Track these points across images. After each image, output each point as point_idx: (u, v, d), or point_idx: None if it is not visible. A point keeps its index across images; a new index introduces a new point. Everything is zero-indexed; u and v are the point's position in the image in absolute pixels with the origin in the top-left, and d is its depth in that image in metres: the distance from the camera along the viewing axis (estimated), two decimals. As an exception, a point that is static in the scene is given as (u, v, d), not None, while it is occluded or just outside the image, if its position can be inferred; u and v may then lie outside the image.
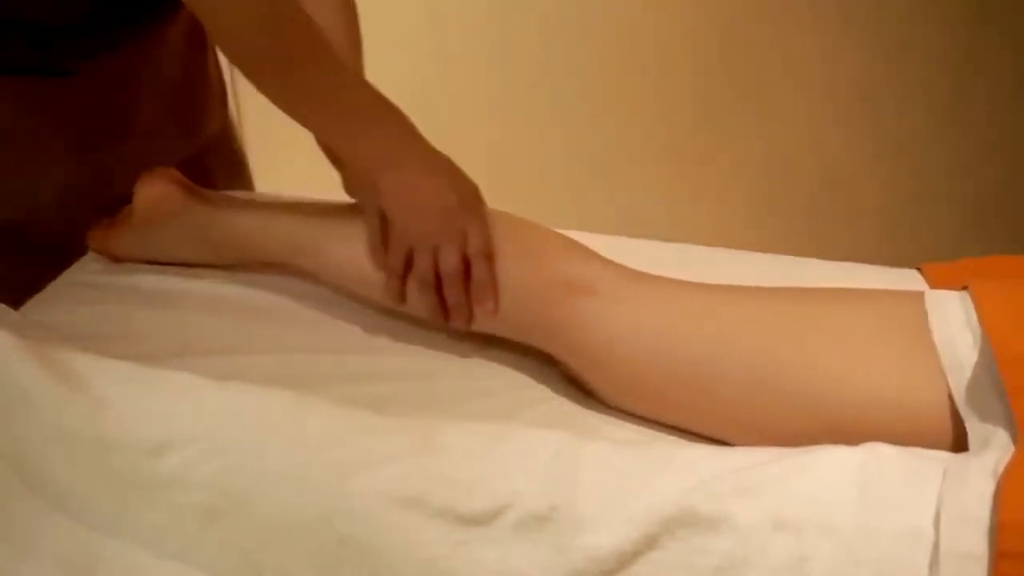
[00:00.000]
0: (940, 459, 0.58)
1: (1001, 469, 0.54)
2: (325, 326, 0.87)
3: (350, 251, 0.84)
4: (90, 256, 0.97)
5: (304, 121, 0.82)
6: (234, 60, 0.81)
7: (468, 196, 0.82)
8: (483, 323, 0.80)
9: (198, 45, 1.08)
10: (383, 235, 0.81)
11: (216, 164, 1.13)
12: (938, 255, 0.91)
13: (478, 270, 0.78)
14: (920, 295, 0.70)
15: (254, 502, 0.60)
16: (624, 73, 1.87)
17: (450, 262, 0.78)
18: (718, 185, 1.94)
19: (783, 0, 1.76)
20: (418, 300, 0.81)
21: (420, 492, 0.58)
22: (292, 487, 0.60)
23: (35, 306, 0.89)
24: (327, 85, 0.81)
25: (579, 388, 0.79)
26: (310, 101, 0.81)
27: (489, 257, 0.79)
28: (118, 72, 0.97)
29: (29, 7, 0.87)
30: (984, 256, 0.82)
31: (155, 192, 0.93)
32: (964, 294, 0.69)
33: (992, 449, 0.57)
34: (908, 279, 0.87)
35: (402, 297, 0.82)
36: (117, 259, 0.96)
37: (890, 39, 1.76)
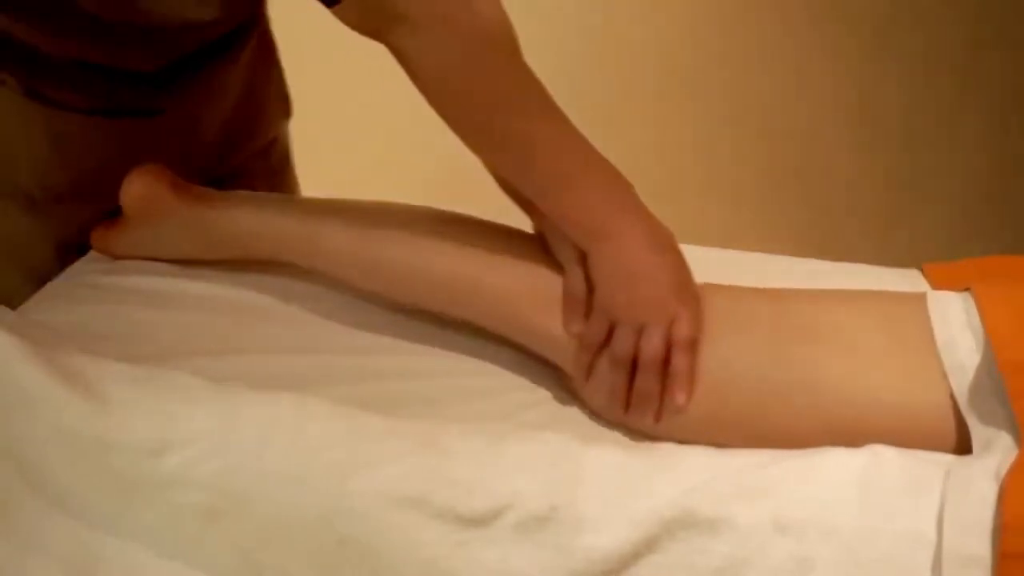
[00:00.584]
0: (942, 461, 0.58)
1: (1004, 472, 0.54)
2: (326, 326, 0.87)
3: (343, 241, 0.84)
4: (90, 256, 0.97)
5: (514, 177, 0.78)
6: (437, 107, 0.77)
7: (685, 280, 0.75)
8: (665, 420, 0.73)
9: (266, 59, 1.09)
10: (585, 302, 0.75)
11: (261, 168, 1.14)
12: (938, 255, 0.91)
13: (680, 360, 0.71)
14: (922, 296, 0.70)
15: (254, 502, 0.60)
16: (623, 72, 1.87)
17: (655, 345, 0.71)
18: (718, 185, 1.94)
19: (783, 0, 1.77)
20: (603, 378, 0.74)
21: (420, 492, 0.58)
22: (292, 487, 0.60)
23: (35, 306, 0.88)
24: (540, 140, 0.76)
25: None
26: (519, 156, 0.76)
27: (694, 349, 0.72)
28: (200, 100, 0.99)
29: (126, 57, 0.90)
30: (984, 256, 0.82)
31: (140, 189, 0.93)
32: (966, 295, 0.69)
33: (995, 451, 0.57)
34: (909, 279, 0.87)
35: (588, 372, 0.75)
36: (118, 257, 0.96)
37: (890, 39, 1.76)
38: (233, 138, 1.07)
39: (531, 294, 0.77)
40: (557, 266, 0.78)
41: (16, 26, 0.84)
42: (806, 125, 1.86)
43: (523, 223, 0.84)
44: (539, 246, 0.80)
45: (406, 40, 0.74)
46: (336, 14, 0.74)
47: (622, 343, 0.73)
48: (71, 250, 0.97)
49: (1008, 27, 1.71)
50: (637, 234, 0.76)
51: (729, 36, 1.81)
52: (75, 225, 0.96)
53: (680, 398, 0.71)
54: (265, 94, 1.11)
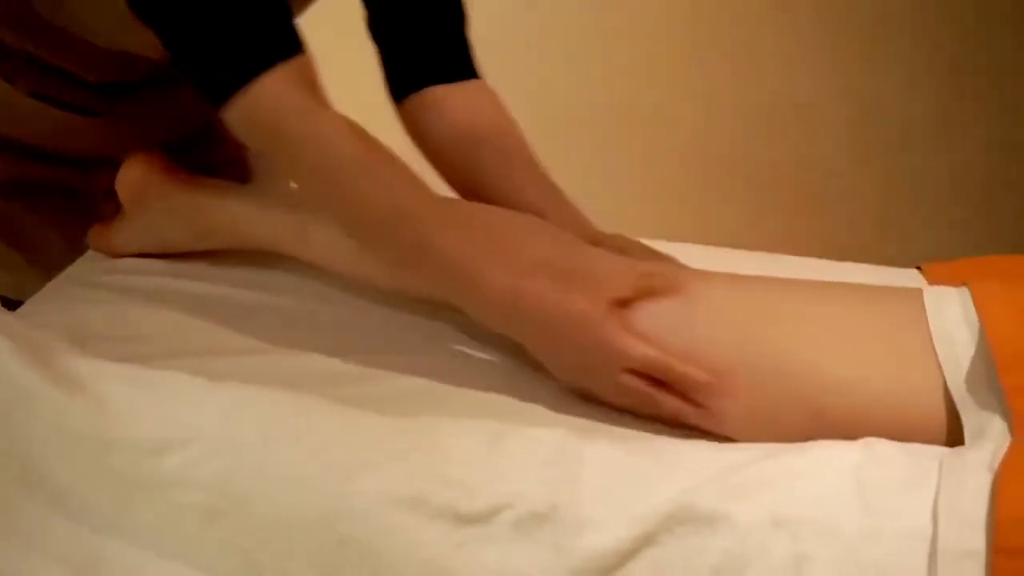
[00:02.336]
0: (936, 454, 0.58)
1: (997, 464, 0.54)
2: (325, 326, 0.87)
3: (333, 232, 0.85)
4: (89, 255, 0.98)
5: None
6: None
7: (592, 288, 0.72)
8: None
9: None
10: None
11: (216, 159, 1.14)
12: (938, 255, 0.91)
13: (670, 379, 0.71)
14: (918, 291, 0.71)
15: (254, 502, 0.60)
16: (623, 73, 1.87)
17: (630, 389, 0.72)
18: (718, 185, 1.94)
19: (782, 0, 1.77)
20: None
21: (420, 492, 0.58)
22: (292, 487, 0.60)
23: (35, 305, 0.89)
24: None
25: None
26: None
27: (661, 366, 0.70)
28: (149, 108, 1.01)
29: (72, 63, 0.91)
30: (984, 256, 0.83)
31: (136, 174, 0.93)
32: (963, 290, 0.69)
33: (988, 442, 0.57)
34: (908, 279, 0.88)
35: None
36: (115, 255, 0.96)
37: (890, 36, 1.76)
38: (188, 139, 1.08)
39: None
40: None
41: None
42: (806, 125, 1.86)
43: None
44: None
45: None
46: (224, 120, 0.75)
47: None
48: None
49: (1008, 25, 1.71)
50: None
51: (727, 36, 1.81)
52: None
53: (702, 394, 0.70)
54: None
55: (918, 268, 0.88)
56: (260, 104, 0.72)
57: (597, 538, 0.55)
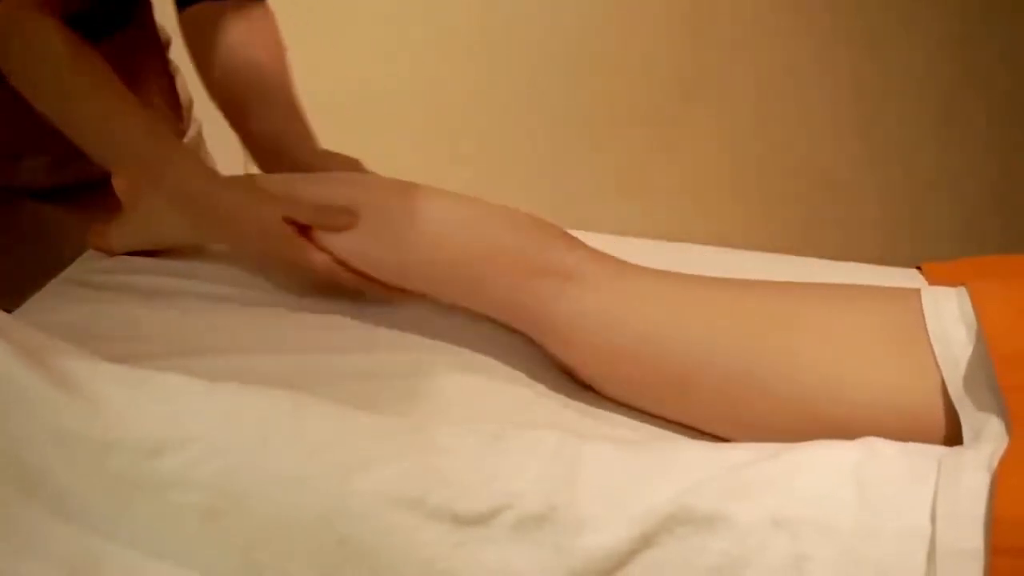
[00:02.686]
0: (935, 454, 0.58)
1: (995, 463, 0.54)
2: (323, 325, 0.87)
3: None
4: (89, 255, 0.98)
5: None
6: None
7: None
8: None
9: (148, 63, 1.13)
10: None
11: None
12: (938, 255, 0.91)
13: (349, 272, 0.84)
14: (916, 292, 0.71)
15: (253, 502, 0.60)
16: (622, 75, 1.87)
17: (319, 275, 0.85)
18: (717, 185, 1.94)
19: (779, 2, 1.76)
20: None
21: (419, 492, 0.58)
22: (291, 487, 0.60)
23: (34, 306, 0.89)
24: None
25: (577, 383, 0.79)
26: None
27: (336, 272, 0.84)
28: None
29: None
30: (984, 256, 0.83)
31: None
32: (961, 290, 0.69)
33: (986, 441, 0.57)
34: (907, 278, 0.88)
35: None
36: (114, 254, 0.96)
37: (888, 38, 1.76)
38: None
39: (512, 266, 0.79)
40: (535, 238, 0.81)
41: None
42: (805, 125, 1.86)
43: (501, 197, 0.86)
44: (512, 217, 0.83)
45: None
46: None
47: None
48: None
49: (1007, 26, 1.71)
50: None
51: (728, 36, 1.81)
52: None
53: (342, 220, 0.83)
54: (145, 99, 1.12)
55: (918, 268, 0.88)
56: None
57: (596, 538, 0.55)
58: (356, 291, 0.87)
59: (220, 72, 1.01)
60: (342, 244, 0.84)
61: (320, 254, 0.84)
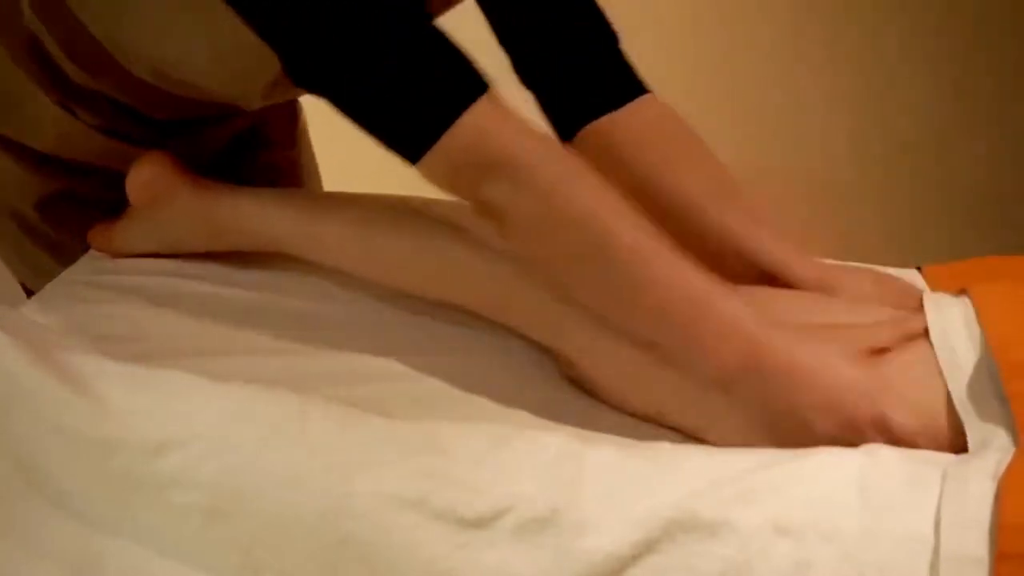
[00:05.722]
0: (939, 461, 0.58)
1: (1001, 471, 0.54)
2: (327, 326, 0.87)
3: (344, 234, 0.85)
4: (90, 255, 0.98)
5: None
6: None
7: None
8: None
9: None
10: None
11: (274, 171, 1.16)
12: (938, 255, 0.91)
13: None
14: (919, 298, 0.70)
15: (255, 502, 0.60)
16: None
17: None
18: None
19: (779, 2, 1.76)
20: None
21: (421, 493, 0.58)
22: (293, 487, 0.60)
23: (35, 305, 0.89)
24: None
25: (581, 389, 0.79)
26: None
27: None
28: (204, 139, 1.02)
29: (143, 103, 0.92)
30: (984, 256, 0.83)
31: (147, 175, 0.93)
32: (963, 296, 0.69)
33: (991, 450, 0.57)
34: (908, 279, 0.87)
35: None
36: (118, 255, 0.96)
37: (890, 36, 1.76)
38: (241, 151, 1.09)
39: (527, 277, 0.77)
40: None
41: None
42: (805, 125, 1.86)
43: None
44: None
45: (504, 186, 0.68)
46: (422, 172, 0.69)
47: None
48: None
49: (1009, 26, 1.71)
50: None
51: (728, 35, 1.81)
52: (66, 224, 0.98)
53: None
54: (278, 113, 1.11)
55: (918, 269, 0.88)
56: (469, 137, 0.67)
57: (598, 542, 0.55)
58: None
59: (643, 171, 0.84)
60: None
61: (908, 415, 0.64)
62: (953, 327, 0.66)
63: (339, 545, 0.59)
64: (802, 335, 0.68)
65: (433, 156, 0.67)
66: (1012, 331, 0.64)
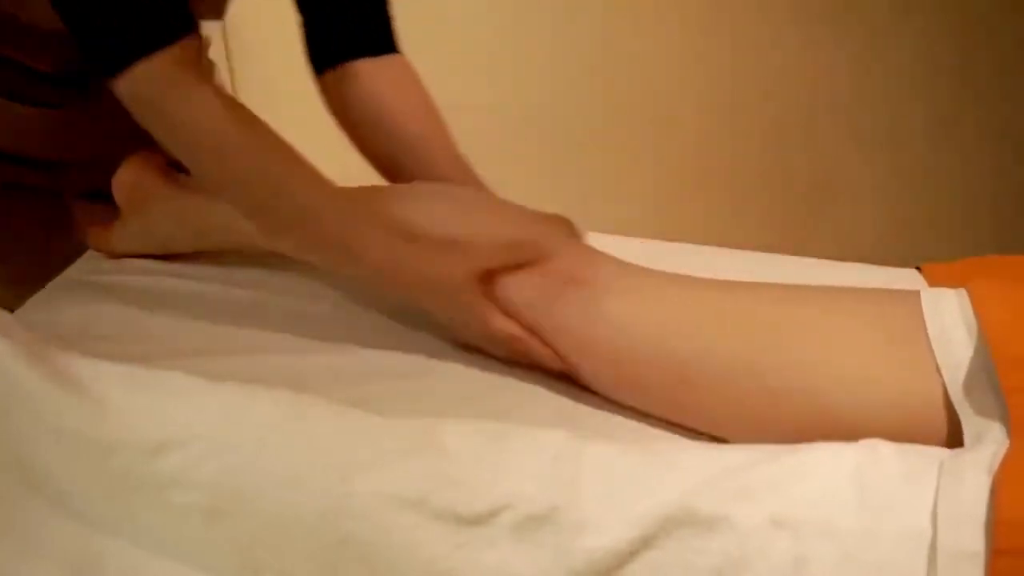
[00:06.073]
0: (936, 455, 0.57)
1: (996, 465, 0.54)
2: (324, 326, 0.87)
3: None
4: (89, 255, 0.98)
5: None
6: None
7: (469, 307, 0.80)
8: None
9: None
10: None
11: None
12: (938, 255, 0.91)
13: (530, 350, 0.79)
14: (916, 293, 0.70)
15: (254, 502, 0.60)
16: (621, 74, 1.87)
17: (500, 343, 0.80)
18: (717, 184, 1.94)
19: (778, 2, 1.76)
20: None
21: (421, 493, 0.58)
22: (293, 487, 0.60)
23: (35, 306, 0.89)
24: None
25: (577, 385, 0.79)
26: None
27: (521, 342, 0.78)
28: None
29: (25, 54, 0.93)
30: (984, 256, 0.83)
31: (132, 177, 0.94)
32: (961, 291, 0.69)
33: (987, 444, 0.57)
34: (908, 279, 0.87)
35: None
36: (115, 256, 0.96)
37: (889, 36, 1.76)
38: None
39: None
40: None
41: None
42: (806, 125, 1.86)
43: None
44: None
45: None
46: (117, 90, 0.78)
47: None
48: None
49: (1008, 24, 1.71)
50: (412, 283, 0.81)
51: (728, 35, 1.81)
52: None
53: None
54: None
55: (918, 268, 0.88)
56: (142, 81, 0.76)
57: (597, 539, 0.55)
58: (537, 360, 0.80)
59: (370, 132, 0.97)
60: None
61: (507, 321, 0.79)
62: (950, 321, 0.66)
63: (339, 545, 0.59)
64: (430, 243, 0.81)
65: (119, 83, 0.76)
66: (1009, 326, 0.64)
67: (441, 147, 0.97)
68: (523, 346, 0.78)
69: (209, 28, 1.09)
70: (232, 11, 1.04)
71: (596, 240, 0.83)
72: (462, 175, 0.95)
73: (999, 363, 0.61)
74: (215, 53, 1.16)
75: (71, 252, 0.98)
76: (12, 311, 0.86)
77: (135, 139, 0.89)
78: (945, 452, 0.58)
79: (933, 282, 0.81)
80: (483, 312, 0.78)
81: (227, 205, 0.90)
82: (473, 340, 0.82)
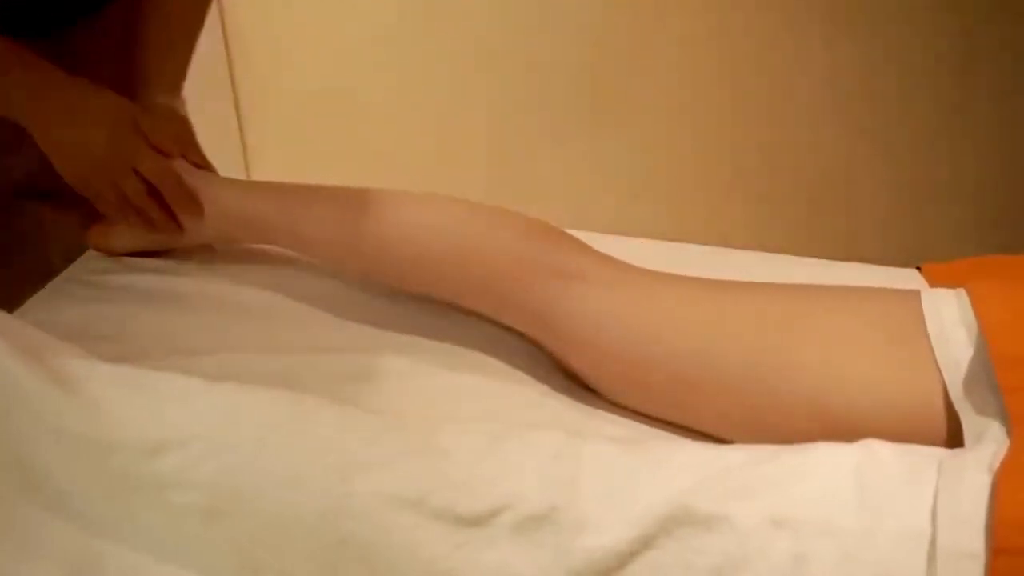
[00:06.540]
0: (936, 455, 0.58)
1: (996, 464, 0.54)
2: (322, 325, 0.88)
3: (322, 231, 0.87)
4: (89, 255, 0.98)
5: None
6: None
7: (120, 139, 0.87)
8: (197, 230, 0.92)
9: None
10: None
11: None
12: (938, 255, 0.91)
13: (166, 188, 0.89)
14: (916, 293, 0.71)
15: (253, 502, 0.60)
16: (621, 72, 1.87)
17: (129, 188, 0.88)
18: (717, 184, 1.94)
19: (781, 0, 1.76)
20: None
21: (420, 493, 0.58)
22: (292, 487, 0.60)
23: (34, 305, 0.89)
24: None
25: (577, 383, 0.79)
26: None
27: (169, 176, 0.88)
28: (76, 44, 1.03)
29: None
30: (984, 256, 0.83)
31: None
32: (961, 291, 0.69)
33: (987, 443, 0.57)
34: (908, 279, 0.87)
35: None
36: (115, 254, 0.96)
37: (890, 36, 1.76)
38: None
39: (516, 266, 0.79)
40: (538, 240, 0.81)
41: None
42: (806, 125, 1.86)
43: (518, 206, 0.86)
44: (518, 220, 0.83)
45: None
46: None
47: (108, 200, 0.90)
48: None
49: (1010, 24, 1.71)
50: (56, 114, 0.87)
51: (727, 34, 1.81)
52: None
53: (193, 208, 0.90)
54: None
55: (918, 268, 0.88)
56: None
57: (596, 539, 0.55)
58: (147, 218, 0.89)
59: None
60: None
61: (159, 157, 0.88)
62: (950, 321, 0.67)
63: (339, 545, 0.59)
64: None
65: None
66: (1008, 326, 0.64)
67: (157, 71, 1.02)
68: (167, 186, 0.88)
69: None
70: (232, 11, 1.05)
71: (595, 240, 0.83)
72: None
73: (998, 363, 0.61)
74: (215, 53, 1.16)
75: (71, 252, 0.98)
76: (12, 311, 0.86)
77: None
78: (945, 452, 0.58)
79: (933, 282, 0.81)
80: (137, 143, 0.87)
81: (222, 200, 0.92)
82: (101, 177, 0.88)
